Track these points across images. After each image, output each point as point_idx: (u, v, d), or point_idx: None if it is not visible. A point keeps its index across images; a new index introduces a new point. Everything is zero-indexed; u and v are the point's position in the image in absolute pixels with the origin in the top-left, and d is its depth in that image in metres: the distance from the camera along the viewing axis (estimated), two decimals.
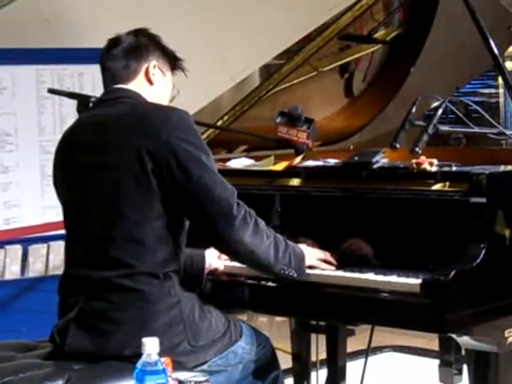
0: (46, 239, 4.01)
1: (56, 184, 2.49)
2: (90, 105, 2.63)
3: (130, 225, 2.27)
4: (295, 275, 2.39)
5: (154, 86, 2.46)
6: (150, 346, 1.92)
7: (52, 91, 3.02)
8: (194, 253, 2.55)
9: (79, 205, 2.38)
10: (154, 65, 2.46)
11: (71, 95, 2.83)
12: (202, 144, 2.33)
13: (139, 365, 1.93)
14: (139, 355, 1.93)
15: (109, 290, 2.29)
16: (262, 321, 5.40)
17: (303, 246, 2.47)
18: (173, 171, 2.27)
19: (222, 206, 2.28)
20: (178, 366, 2.18)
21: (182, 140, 2.29)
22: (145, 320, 2.27)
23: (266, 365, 2.50)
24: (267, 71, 5.34)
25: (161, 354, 1.94)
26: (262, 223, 2.34)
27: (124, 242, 2.28)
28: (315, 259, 2.47)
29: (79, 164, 2.38)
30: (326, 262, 2.49)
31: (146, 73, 2.45)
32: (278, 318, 5.04)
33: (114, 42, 2.46)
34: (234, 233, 2.27)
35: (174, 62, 2.53)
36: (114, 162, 2.30)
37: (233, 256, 2.42)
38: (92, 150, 2.36)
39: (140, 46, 2.45)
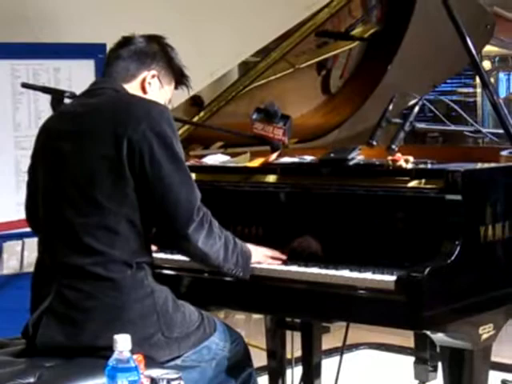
0: (20, 236, 3.97)
1: (34, 168, 2.47)
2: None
3: (103, 212, 2.28)
4: (241, 274, 2.43)
5: (146, 94, 2.45)
6: (122, 342, 1.91)
7: (26, 85, 3.00)
8: None
9: (55, 191, 2.37)
10: (153, 75, 2.45)
11: (45, 89, 2.81)
12: (177, 143, 2.33)
13: (111, 362, 1.91)
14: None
15: (81, 278, 2.29)
16: (238, 318, 5.39)
17: (251, 246, 2.48)
18: (144, 164, 2.27)
19: (183, 209, 2.29)
20: (151, 361, 2.17)
21: (159, 135, 2.29)
22: (118, 309, 2.27)
23: (239, 362, 2.50)
24: (246, 68, 5.32)
25: (134, 346, 1.93)
26: (215, 225, 2.36)
27: (97, 229, 2.29)
28: (262, 256, 2.50)
29: (57, 151, 2.38)
30: (273, 258, 2.51)
31: (143, 80, 2.45)
32: (255, 316, 5.04)
33: (126, 41, 2.46)
34: (190, 237, 2.30)
35: (179, 77, 2.52)
36: (89, 149, 2.32)
37: (185, 256, 2.43)
38: (69, 138, 2.37)
39: (147, 52, 2.45)
